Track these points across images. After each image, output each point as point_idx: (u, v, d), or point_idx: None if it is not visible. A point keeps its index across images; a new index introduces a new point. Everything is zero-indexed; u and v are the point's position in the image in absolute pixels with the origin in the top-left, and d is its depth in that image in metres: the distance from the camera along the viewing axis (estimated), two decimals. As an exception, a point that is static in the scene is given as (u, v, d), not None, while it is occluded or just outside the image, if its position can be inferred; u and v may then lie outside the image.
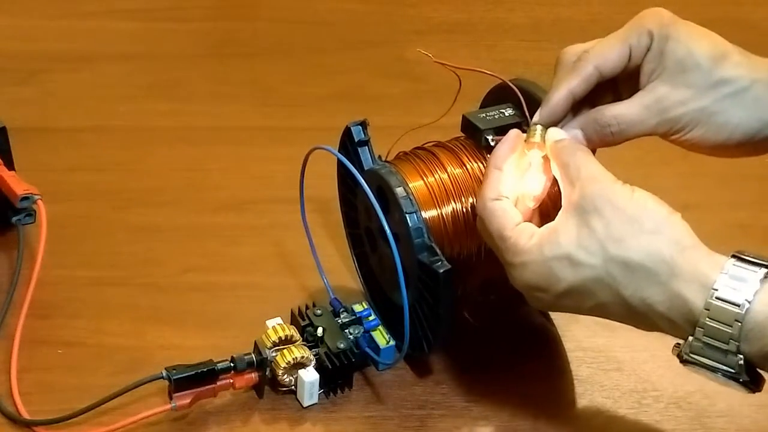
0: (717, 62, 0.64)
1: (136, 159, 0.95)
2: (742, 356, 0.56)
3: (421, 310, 0.69)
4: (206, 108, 1.02)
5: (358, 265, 0.79)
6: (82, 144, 0.96)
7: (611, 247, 0.58)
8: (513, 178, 0.65)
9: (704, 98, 0.64)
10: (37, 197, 0.78)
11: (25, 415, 0.68)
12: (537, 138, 0.65)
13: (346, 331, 0.73)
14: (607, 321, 0.74)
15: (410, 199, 0.68)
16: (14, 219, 0.79)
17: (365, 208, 0.75)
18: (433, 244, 0.67)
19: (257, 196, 0.90)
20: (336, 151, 0.71)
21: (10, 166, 0.81)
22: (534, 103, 0.68)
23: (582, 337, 0.77)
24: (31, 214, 0.79)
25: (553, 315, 0.78)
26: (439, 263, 0.66)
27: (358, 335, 0.73)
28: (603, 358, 0.76)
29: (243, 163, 0.95)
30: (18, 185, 0.78)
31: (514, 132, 0.66)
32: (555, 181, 0.65)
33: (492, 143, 0.69)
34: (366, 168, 0.72)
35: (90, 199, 0.89)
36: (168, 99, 1.04)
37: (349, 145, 0.73)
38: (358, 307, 0.74)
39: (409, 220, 0.67)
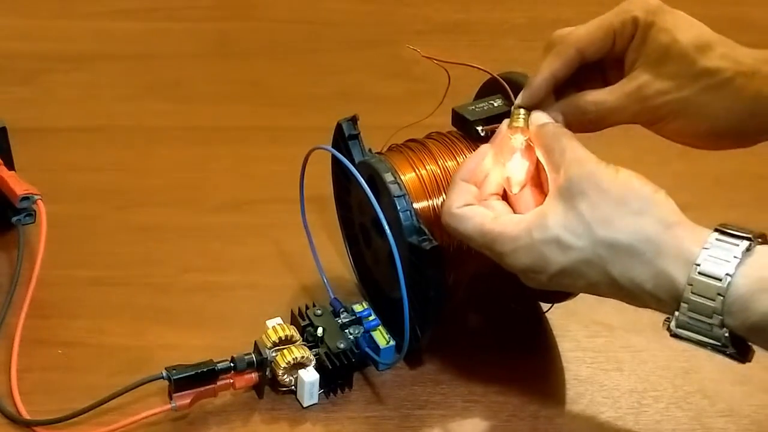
0: (701, 52, 0.63)
1: (136, 159, 0.95)
2: (726, 329, 0.56)
3: (414, 295, 0.69)
4: (206, 108, 1.02)
5: (355, 266, 0.80)
6: (82, 144, 0.96)
7: (598, 228, 0.59)
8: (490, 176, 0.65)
9: (685, 89, 0.64)
10: (37, 197, 0.78)
11: (25, 415, 0.68)
12: (520, 122, 0.65)
13: (346, 331, 0.73)
14: (607, 321, 0.75)
15: (398, 184, 0.68)
16: (14, 219, 0.79)
17: (358, 203, 0.75)
18: (422, 226, 0.67)
19: (257, 196, 0.90)
20: (335, 151, 0.71)
21: (10, 166, 0.81)
22: None
23: (582, 337, 0.77)
24: (31, 214, 0.79)
25: (552, 315, 0.78)
26: (427, 242, 0.66)
27: (358, 335, 0.73)
28: (603, 358, 0.76)
29: (243, 163, 0.95)
30: (18, 185, 0.78)
31: (486, 146, 0.67)
32: (539, 166, 0.65)
33: (482, 134, 0.69)
34: (357, 161, 0.72)
35: (90, 199, 0.89)
36: (168, 99, 1.04)
37: (341, 142, 0.74)
38: (358, 307, 0.74)
39: (397, 204, 0.67)
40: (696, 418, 0.71)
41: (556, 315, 0.78)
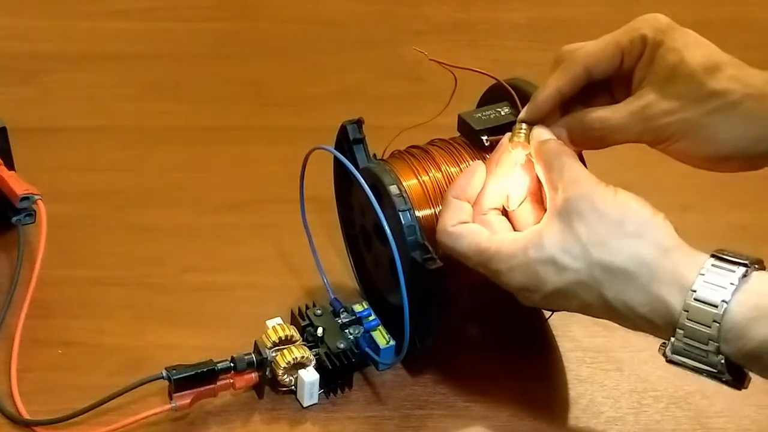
0: (709, 73, 0.62)
1: (136, 159, 0.95)
2: (722, 356, 0.56)
3: (414, 306, 0.69)
4: (206, 108, 1.02)
5: (354, 266, 0.79)
6: (82, 144, 0.96)
7: (594, 251, 0.59)
8: (490, 192, 0.65)
9: (691, 110, 0.62)
10: (37, 197, 0.78)
11: (25, 415, 0.68)
12: (521, 137, 0.65)
13: (346, 331, 0.73)
14: (608, 321, 0.75)
15: (403, 197, 0.68)
16: (14, 219, 0.79)
17: (360, 206, 0.75)
18: (426, 242, 0.67)
19: (257, 196, 0.90)
20: (336, 151, 0.71)
21: (10, 166, 0.81)
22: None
23: (582, 337, 0.77)
24: (31, 214, 0.79)
25: (553, 315, 0.78)
26: (430, 261, 0.66)
27: (358, 335, 0.73)
28: (603, 358, 0.76)
29: (243, 163, 0.95)
30: (18, 185, 0.78)
31: (477, 163, 0.66)
32: (540, 180, 0.65)
33: (486, 143, 0.69)
34: (361, 166, 0.72)
35: (90, 199, 0.89)
36: (168, 99, 1.04)
37: (344, 144, 0.73)
38: (358, 307, 0.74)
39: (402, 218, 0.67)
40: (696, 418, 0.71)
41: (556, 315, 0.78)
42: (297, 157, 0.74)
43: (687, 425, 0.71)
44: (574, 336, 0.77)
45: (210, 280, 0.81)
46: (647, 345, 0.76)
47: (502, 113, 0.71)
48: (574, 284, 0.59)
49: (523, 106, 0.68)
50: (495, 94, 0.72)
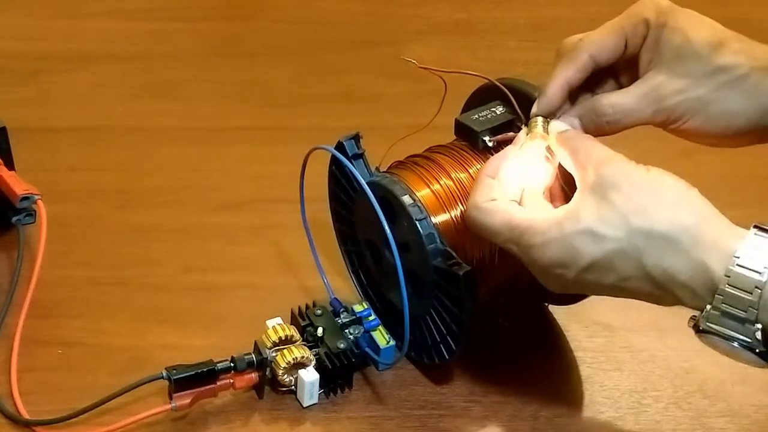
0: (715, 50, 0.63)
1: (136, 159, 0.95)
2: (759, 325, 0.56)
3: (440, 317, 0.68)
4: (206, 108, 1.02)
5: (359, 284, 0.79)
6: (82, 144, 0.96)
7: (634, 218, 0.58)
8: (511, 180, 0.65)
9: (702, 87, 0.63)
10: (37, 197, 0.78)
11: (25, 415, 0.68)
12: (539, 129, 0.65)
13: (346, 331, 0.73)
14: (607, 321, 0.75)
15: (418, 206, 0.67)
16: (14, 219, 0.79)
17: (365, 220, 0.73)
18: (448, 248, 0.66)
19: (257, 196, 0.90)
20: (339, 154, 0.70)
21: (10, 166, 0.81)
22: (522, 101, 0.68)
23: (582, 337, 0.77)
24: (31, 214, 0.78)
25: (553, 315, 0.78)
26: (458, 266, 0.65)
27: (358, 335, 0.73)
28: (603, 358, 0.76)
29: (243, 163, 0.95)
30: (18, 185, 0.78)
31: (510, 147, 0.66)
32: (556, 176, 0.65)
33: (489, 144, 0.69)
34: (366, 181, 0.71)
35: (90, 199, 0.89)
36: (168, 99, 1.04)
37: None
38: (358, 307, 0.74)
39: (419, 227, 0.66)
40: (696, 418, 0.71)
41: (556, 315, 0.78)
42: (297, 157, 0.74)
43: (687, 425, 0.71)
44: (574, 336, 0.77)
45: (210, 280, 0.81)
46: (647, 345, 0.76)
47: (498, 112, 0.71)
48: (612, 254, 0.59)
49: (517, 105, 0.68)
50: (486, 94, 0.72)
